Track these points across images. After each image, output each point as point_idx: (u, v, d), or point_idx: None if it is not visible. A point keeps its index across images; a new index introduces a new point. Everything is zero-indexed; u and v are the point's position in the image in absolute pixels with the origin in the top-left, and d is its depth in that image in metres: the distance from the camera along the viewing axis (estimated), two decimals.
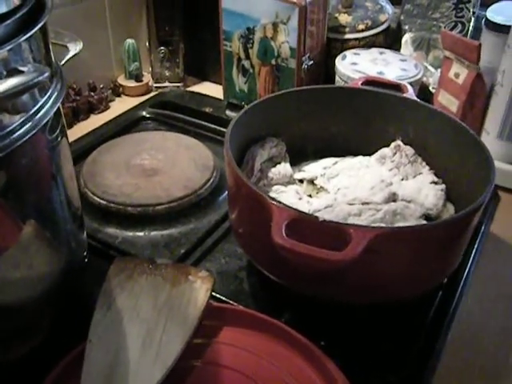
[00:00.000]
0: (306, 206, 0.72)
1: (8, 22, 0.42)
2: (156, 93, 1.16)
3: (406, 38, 1.08)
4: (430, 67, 1.03)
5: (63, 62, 0.58)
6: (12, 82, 0.36)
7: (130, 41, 1.12)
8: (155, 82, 1.18)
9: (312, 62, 0.98)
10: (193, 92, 1.16)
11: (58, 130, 0.55)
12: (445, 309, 0.68)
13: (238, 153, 0.73)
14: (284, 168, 0.76)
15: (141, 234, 0.80)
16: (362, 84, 0.81)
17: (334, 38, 1.04)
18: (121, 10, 1.11)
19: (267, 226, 0.54)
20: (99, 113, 1.10)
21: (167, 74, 1.17)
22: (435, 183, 0.75)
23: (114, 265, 0.61)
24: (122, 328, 0.55)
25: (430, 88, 1.04)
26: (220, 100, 1.10)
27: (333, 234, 0.54)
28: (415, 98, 0.77)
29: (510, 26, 0.86)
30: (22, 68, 0.40)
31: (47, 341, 0.58)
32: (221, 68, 1.07)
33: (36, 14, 0.46)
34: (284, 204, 0.56)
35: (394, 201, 0.73)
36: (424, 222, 0.71)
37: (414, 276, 0.60)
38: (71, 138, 1.00)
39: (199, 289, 0.58)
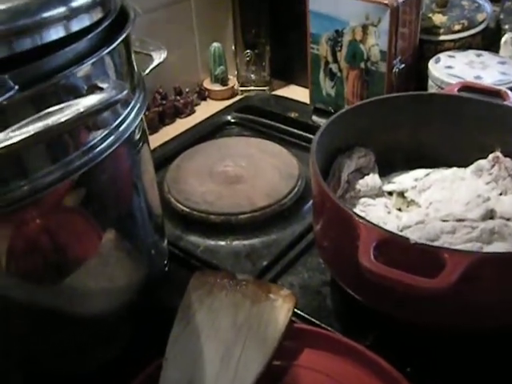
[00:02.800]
0: (395, 220, 0.68)
1: (90, 35, 0.41)
2: (241, 97, 1.14)
3: (506, 38, 1.00)
4: None
5: (147, 71, 0.57)
6: (91, 101, 0.35)
7: (216, 44, 1.11)
8: (241, 86, 1.16)
9: (403, 65, 0.94)
10: (278, 96, 1.14)
11: (139, 138, 0.54)
12: None
13: (324, 163, 0.70)
14: (372, 179, 0.72)
15: (223, 243, 0.79)
16: (458, 90, 0.75)
17: (428, 40, 0.98)
18: (207, 13, 1.11)
19: (353, 245, 0.51)
20: (185, 117, 1.10)
21: (253, 78, 1.15)
22: None
23: (194, 278, 0.60)
24: (200, 346, 0.53)
25: None
26: (306, 104, 1.07)
27: (425, 257, 0.50)
28: None
29: None
30: (101, 84, 0.39)
31: (124, 354, 0.58)
32: (307, 71, 1.04)
33: (119, 26, 0.45)
34: (372, 223, 0.52)
35: (492, 218, 0.67)
36: None
37: None
38: (157, 143, 1.01)
39: (280, 308, 0.56)
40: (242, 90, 1.16)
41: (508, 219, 0.67)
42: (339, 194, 0.70)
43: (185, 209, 0.82)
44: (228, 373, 0.51)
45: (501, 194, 0.72)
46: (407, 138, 0.77)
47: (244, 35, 1.11)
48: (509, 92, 0.74)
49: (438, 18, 0.98)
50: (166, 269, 0.68)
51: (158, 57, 0.59)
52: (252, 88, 1.15)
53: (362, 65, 0.95)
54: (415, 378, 0.55)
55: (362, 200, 0.71)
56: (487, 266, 0.49)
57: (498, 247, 0.64)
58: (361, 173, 0.74)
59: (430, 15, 0.99)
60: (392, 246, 0.51)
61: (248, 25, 1.10)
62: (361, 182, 0.72)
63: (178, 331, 0.55)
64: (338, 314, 0.67)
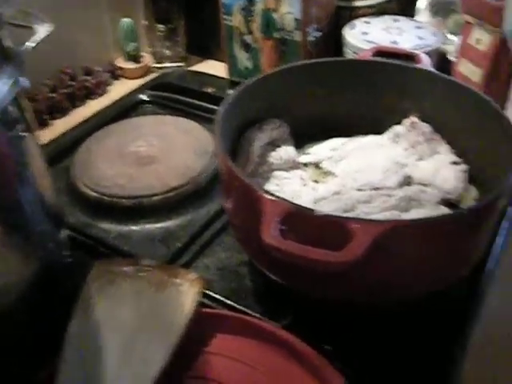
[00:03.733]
0: (311, 193, 0.65)
1: None
2: (156, 75, 1.09)
3: (422, 2, 0.99)
4: (449, 35, 0.94)
5: (27, 45, 0.52)
6: None
7: (125, 20, 1.05)
8: (156, 63, 1.11)
9: (320, 33, 0.91)
10: (195, 72, 1.09)
11: (19, 126, 0.49)
12: (467, 308, 0.61)
13: (233, 137, 0.66)
14: (286, 152, 0.69)
15: (136, 227, 0.74)
16: (372, 55, 0.73)
17: (343, 6, 0.96)
18: None
19: (259, 221, 0.48)
20: (97, 98, 1.04)
21: (168, 54, 1.09)
22: (455, 163, 0.67)
23: (95, 269, 0.55)
24: (100, 341, 0.49)
25: (451, 57, 0.95)
26: (224, 79, 1.03)
27: (333, 229, 0.47)
28: (432, 69, 0.69)
29: None
30: None
31: (19, 356, 0.53)
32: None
33: None
34: (277, 196, 0.49)
35: (409, 184, 0.66)
36: (443, 207, 0.63)
37: (430, 273, 0.52)
38: (67, 126, 0.95)
39: (187, 293, 0.52)
40: (157, 67, 1.10)
41: (425, 185, 0.65)
42: (250, 169, 0.66)
43: (94, 194, 0.77)
44: (131, 367, 0.47)
45: (419, 160, 0.70)
46: (323, 107, 0.73)
47: (155, 9, 1.05)
48: (424, 55, 0.72)
49: None
50: (70, 260, 0.63)
51: (42, 30, 0.54)
52: (167, 65, 1.10)
53: (277, 35, 0.91)
54: (335, 355, 0.53)
55: (277, 174, 0.68)
56: (397, 236, 0.46)
57: (416, 214, 0.62)
58: (274, 145, 0.70)
59: None
60: (298, 219, 0.48)
61: None
62: (273, 154, 0.68)
63: (76, 327, 0.50)
64: (256, 295, 0.64)
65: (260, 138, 0.67)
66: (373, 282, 0.51)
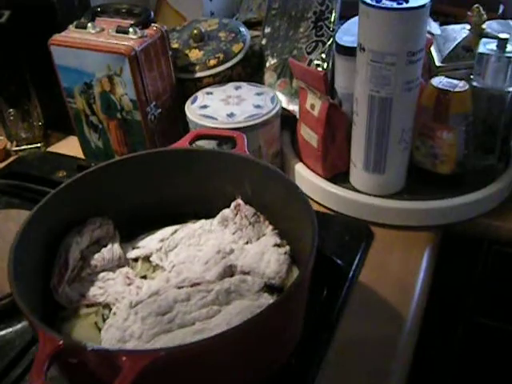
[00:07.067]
0: (133, 294, 0.64)
1: None
2: (14, 157, 1.05)
3: (268, 64, 1.00)
4: (292, 98, 0.95)
5: None
6: None
7: None
8: (15, 146, 1.07)
9: (160, 110, 0.90)
10: (51, 153, 1.05)
11: None
12: None
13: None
14: (109, 251, 0.67)
15: None
16: (192, 141, 0.72)
17: (187, 78, 0.95)
18: None
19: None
20: None
21: (24, 136, 1.07)
22: (278, 246, 0.67)
23: None
24: None
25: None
26: (81, 159, 1.01)
27: (106, 362, 0.45)
28: (245, 153, 0.69)
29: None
30: None
31: None
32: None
33: None
34: (51, 331, 0.47)
35: (232, 275, 0.65)
36: (265, 295, 0.62)
37: None
38: None
39: None
40: (15, 151, 1.07)
41: (247, 273, 0.65)
42: (70, 276, 0.64)
43: None
44: None
45: (247, 243, 0.69)
46: (149, 198, 0.72)
47: (5, 94, 1.03)
48: (243, 136, 0.72)
49: (195, 54, 0.96)
50: None
51: None
52: (25, 147, 1.07)
53: (119, 115, 0.90)
54: None
55: (102, 275, 0.66)
56: (170, 363, 0.45)
57: (236, 306, 0.61)
58: (99, 245, 0.69)
59: (187, 51, 0.96)
60: (73, 355, 0.46)
61: (4, 82, 1.02)
62: (96, 256, 0.67)
63: None
64: None
65: (78, 243, 0.66)
66: None
